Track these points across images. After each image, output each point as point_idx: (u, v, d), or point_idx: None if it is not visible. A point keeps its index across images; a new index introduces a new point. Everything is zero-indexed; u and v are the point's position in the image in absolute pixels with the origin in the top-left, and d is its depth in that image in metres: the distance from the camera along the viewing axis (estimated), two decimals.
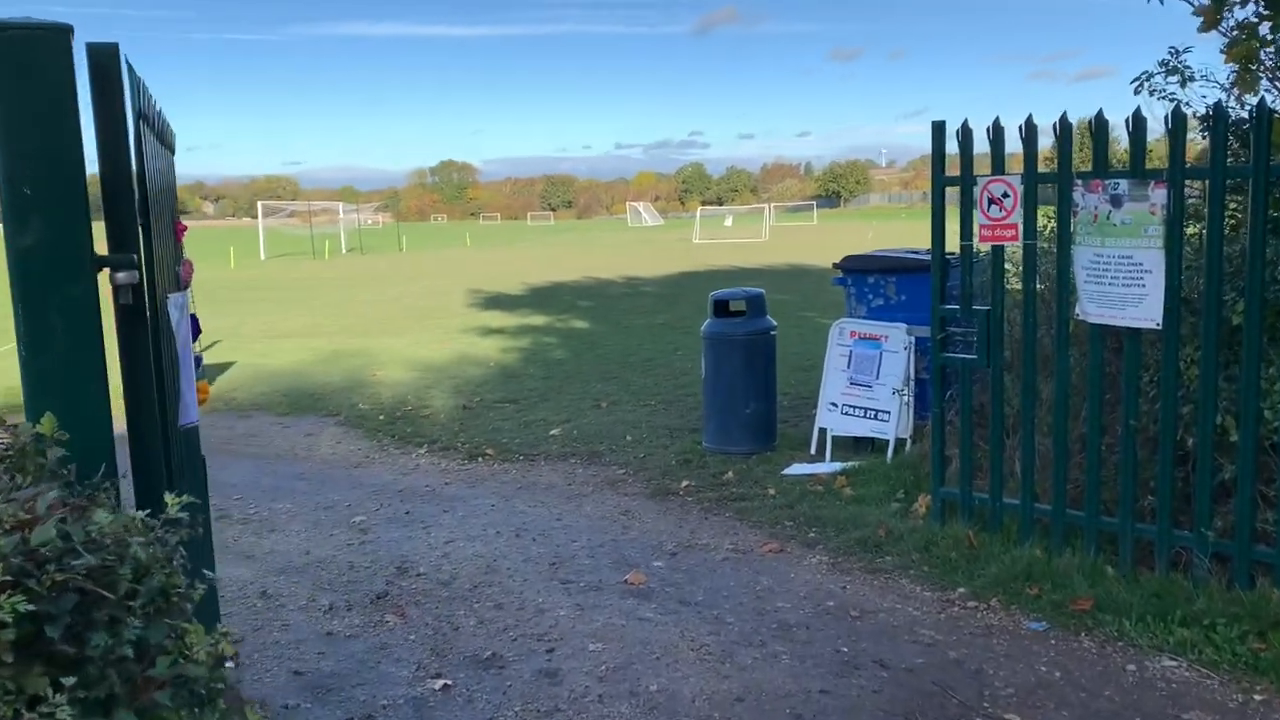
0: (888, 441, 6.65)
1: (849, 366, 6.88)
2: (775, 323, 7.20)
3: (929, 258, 6.92)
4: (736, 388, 7.00)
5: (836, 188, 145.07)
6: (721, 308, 7.24)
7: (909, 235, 47.62)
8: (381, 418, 8.78)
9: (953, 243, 5.19)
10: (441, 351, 12.61)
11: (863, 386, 6.80)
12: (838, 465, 6.57)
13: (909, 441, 6.69)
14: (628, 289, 21.79)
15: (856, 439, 6.91)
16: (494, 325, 15.41)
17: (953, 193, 5.09)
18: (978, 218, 4.93)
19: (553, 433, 7.96)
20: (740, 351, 6.98)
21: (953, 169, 5.01)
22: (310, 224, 46.75)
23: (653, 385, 9.90)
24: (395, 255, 43.55)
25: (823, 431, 6.97)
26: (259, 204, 47.86)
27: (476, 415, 8.72)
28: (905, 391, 6.63)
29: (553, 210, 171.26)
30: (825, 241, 44.38)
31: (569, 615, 4.45)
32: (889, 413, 6.67)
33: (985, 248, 5.08)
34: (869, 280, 6.98)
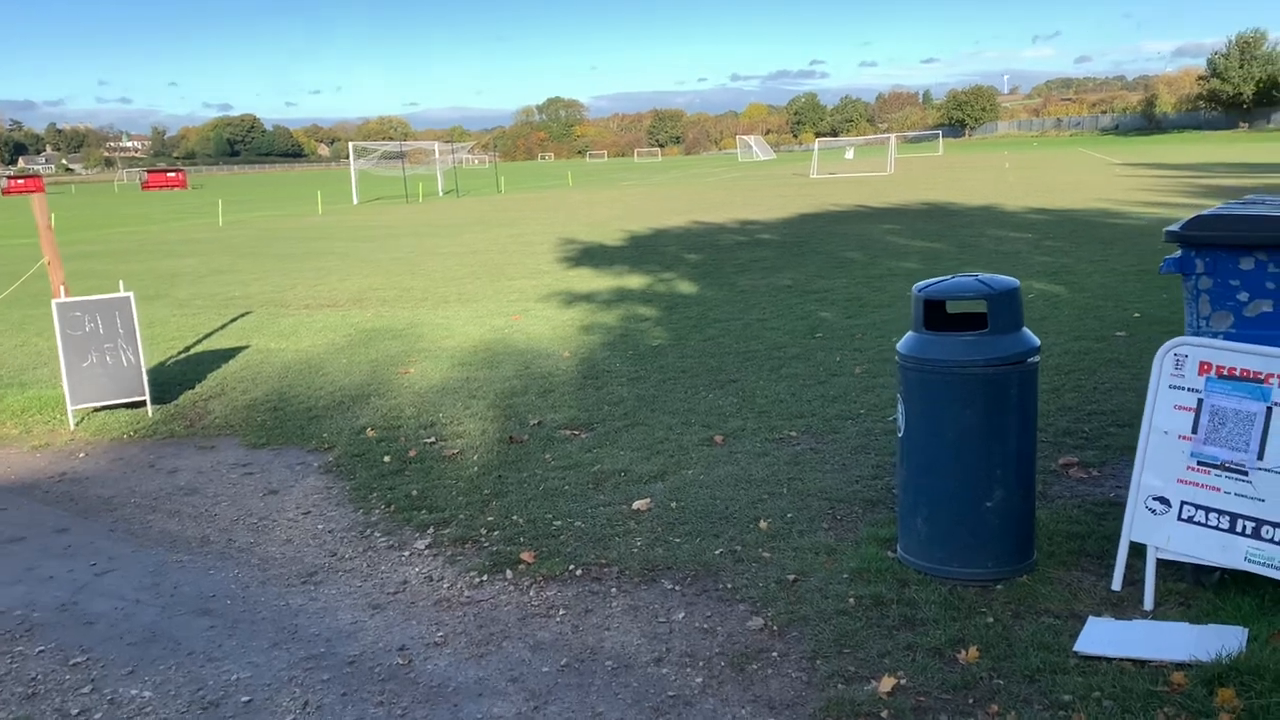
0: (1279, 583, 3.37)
1: (1196, 430, 3.58)
2: (1038, 341, 3.90)
3: None
4: (970, 462, 3.78)
5: (960, 116, 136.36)
6: (937, 313, 3.96)
7: (1055, 166, 42.56)
8: (387, 460, 5.86)
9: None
10: (506, 330, 9.64)
11: (1228, 471, 3.50)
12: (1183, 633, 3.33)
13: None
14: (742, 236, 18.42)
15: (1199, 567, 3.64)
16: (579, 289, 12.37)
17: None
18: None
19: (637, 505, 4.90)
20: (983, 396, 3.73)
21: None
22: (403, 166, 44.26)
23: (789, 397, 6.72)
24: (492, 197, 40.82)
25: (1138, 549, 3.71)
26: (349, 145, 45.49)
27: (525, 457, 5.72)
28: None
29: (660, 146, 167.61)
30: (958, 175, 39.80)
31: None
32: None
33: None
34: (1244, 264, 3.60)
